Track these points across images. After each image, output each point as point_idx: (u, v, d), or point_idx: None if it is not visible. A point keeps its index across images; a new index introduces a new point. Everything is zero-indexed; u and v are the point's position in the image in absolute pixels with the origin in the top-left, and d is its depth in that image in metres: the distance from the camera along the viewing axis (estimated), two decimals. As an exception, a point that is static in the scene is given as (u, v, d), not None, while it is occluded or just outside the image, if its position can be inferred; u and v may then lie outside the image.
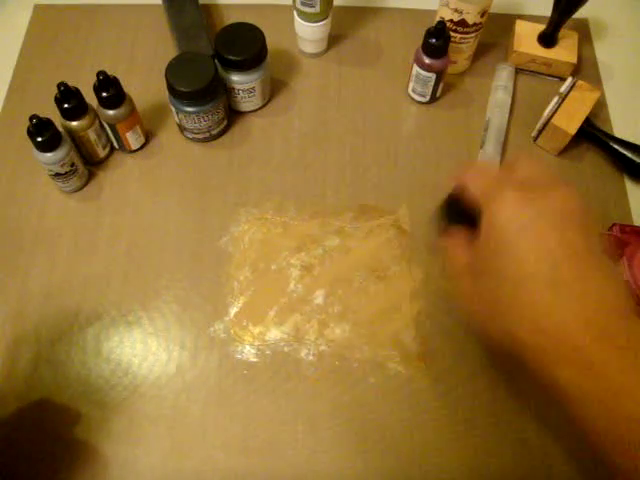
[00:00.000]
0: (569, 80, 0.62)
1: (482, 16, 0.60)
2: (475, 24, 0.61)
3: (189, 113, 0.58)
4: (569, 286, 0.32)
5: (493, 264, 0.35)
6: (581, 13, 0.61)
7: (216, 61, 0.59)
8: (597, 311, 0.32)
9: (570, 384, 0.32)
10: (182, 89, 0.56)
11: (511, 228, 0.34)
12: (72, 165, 0.56)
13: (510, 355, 0.36)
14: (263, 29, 0.60)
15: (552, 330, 0.32)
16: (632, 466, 0.31)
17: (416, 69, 0.61)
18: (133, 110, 0.57)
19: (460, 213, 0.40)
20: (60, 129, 0.54)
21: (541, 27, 0.65)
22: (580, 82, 0.61)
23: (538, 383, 0.34)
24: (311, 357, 0.52)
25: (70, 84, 0.54)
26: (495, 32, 0.69)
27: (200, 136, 0.61)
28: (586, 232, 0.34)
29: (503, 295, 0.35)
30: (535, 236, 0.33)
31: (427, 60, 0.60)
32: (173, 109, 0.59)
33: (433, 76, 0.61)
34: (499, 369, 0.51)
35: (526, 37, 0.66)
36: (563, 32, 0.64)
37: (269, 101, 0.65)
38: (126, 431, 0.49)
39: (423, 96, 0.64)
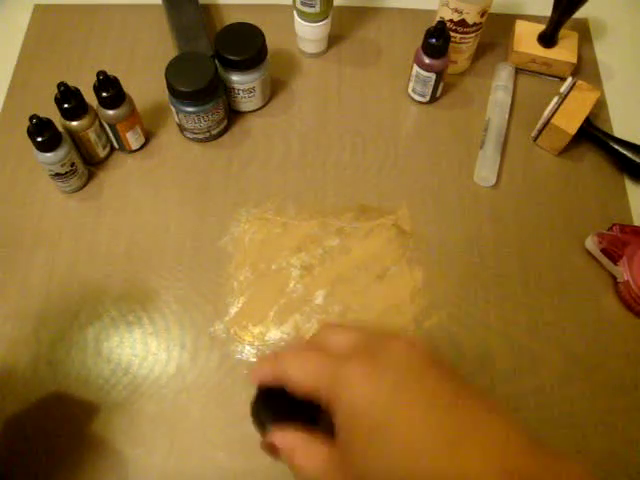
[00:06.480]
0: (569, 80, 0.62)
1: (482, 16, 0.60)
2: (475, 24, 0.61)
3: (189, 113, 0.58)
4: (463, 442, 0.28)
5: (372, 453, 0.30)
6: (581, 13, 0.61)
7: (216, 61, 0.59)
8: (505, 457, 0.28)
9: None
10: (182, 89, 0.56)
11: (377, 409, 0.29)
12: (72, 165, 0.56)
13: None
14: (263, 29, 0.60)
15: None
16: None
17: (416, 69, 0.61)
18: (133, 110, 0.57)
19: (283, 404, 0.33)
20: (60, 129, 0.54)
21: (541, 27, 0.65)
22: (580, 82, 0.61)
23: None
24: (311, 357, 0.52)
25: (70, 84, 0.54)
26: (495, 32, 0.69)
27: (200, 136, 0.61)
28: (450, 375, 0.31)
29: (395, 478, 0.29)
30: (405, 406, 0.29)
31: (427, 60, 0.60)
32: (173, 109, 0.59)
33: (433, 76, 0.61)
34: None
35: (526, 37, 0.66)
36: (563, 32, 0.64)
37: (269, 101, 0.65)
38: (126, 431, 0.49)
39: (423, 96, 0.64)
